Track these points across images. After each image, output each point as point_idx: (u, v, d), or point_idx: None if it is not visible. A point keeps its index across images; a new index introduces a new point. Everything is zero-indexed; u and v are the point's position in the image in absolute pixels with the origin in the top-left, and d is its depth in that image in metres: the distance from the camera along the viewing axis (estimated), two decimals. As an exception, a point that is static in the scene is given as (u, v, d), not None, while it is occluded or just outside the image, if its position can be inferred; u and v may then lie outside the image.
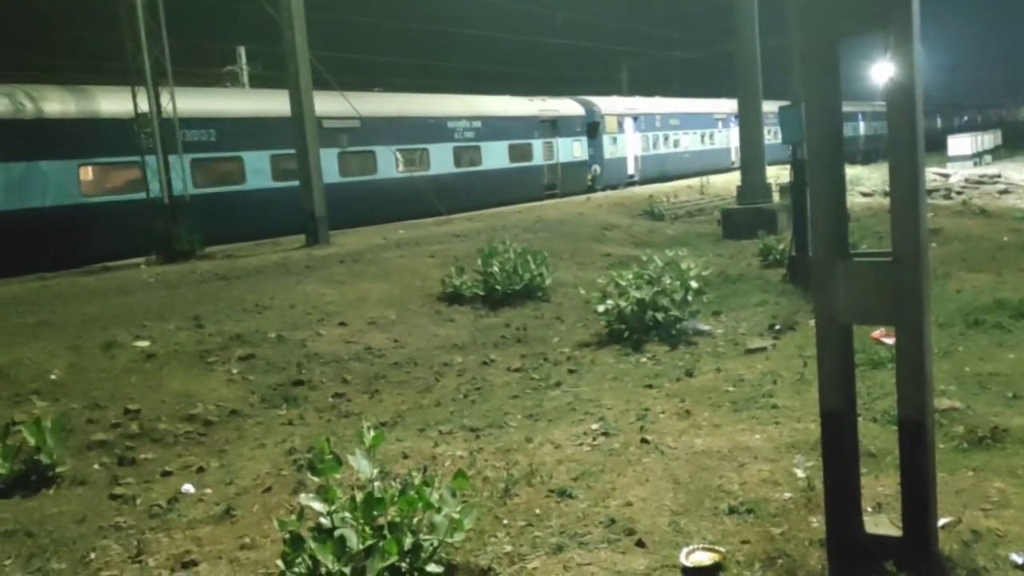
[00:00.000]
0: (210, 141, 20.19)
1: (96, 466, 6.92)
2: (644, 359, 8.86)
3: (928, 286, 3.52)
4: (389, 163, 24.54)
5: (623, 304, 9.66)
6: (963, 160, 39.87)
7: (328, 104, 21.39)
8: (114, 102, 18.24)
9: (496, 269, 12.69)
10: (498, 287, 12.48)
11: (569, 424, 6.51)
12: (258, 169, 21.06)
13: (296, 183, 19.69)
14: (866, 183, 28.77)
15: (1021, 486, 4.51)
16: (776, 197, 21.25)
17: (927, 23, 3.75)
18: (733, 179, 24.46)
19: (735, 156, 33.89)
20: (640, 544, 4.30)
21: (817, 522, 4.21)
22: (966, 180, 30.12)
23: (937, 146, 43.59)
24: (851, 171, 32.43)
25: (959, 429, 5.43)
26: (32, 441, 6.49)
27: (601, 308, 9.88)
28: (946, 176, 32.19)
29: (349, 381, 9.17)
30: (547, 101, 32.18)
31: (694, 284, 9.84)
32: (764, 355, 8.28)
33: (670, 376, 7.85)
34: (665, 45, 53.39)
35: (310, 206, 18.86)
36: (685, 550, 4.14)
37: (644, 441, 5.80)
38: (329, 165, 21.42)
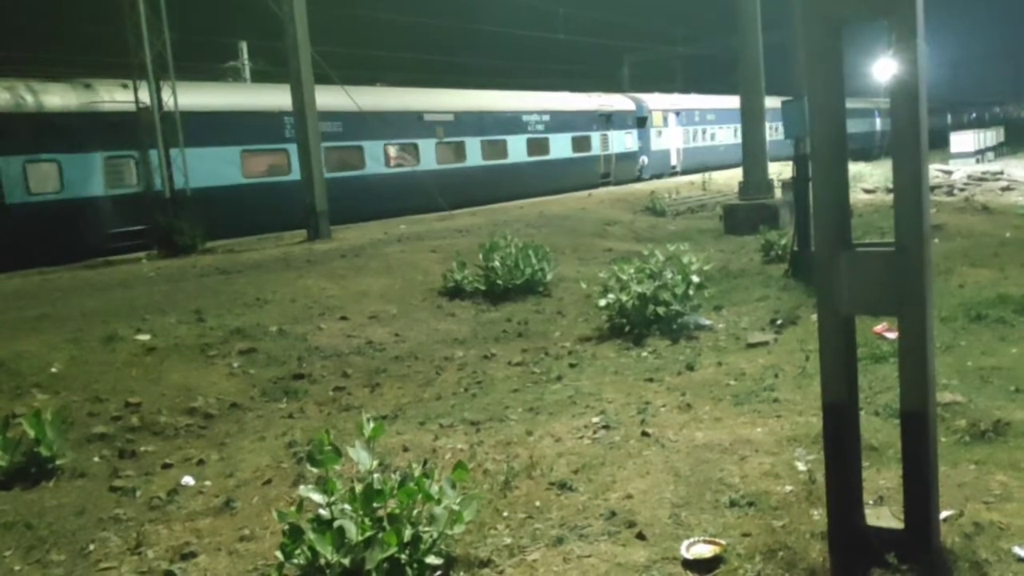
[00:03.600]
0: (338, 132, 22.85)
1: (96, 459, 6.90)
2: (645, 353, 8.84)
3: (930, 278, 3.50)
4: (476, 153, 27.42)
5: (624, 298, 9.63)
6: (966, 157, 39.79)
7: (426, 99, 25.97)
8: (262, 97, 20.52)
9: (497, 264, 12.68)
10: (499, 282, 12.47)
11: (570, 417, 6.49)
12: (375, 156, 24.01)
13: (404, 168, 24.36)
14: (869, 180, 28.72)
15: (1023, 479, 4.49)
16: (778, 193, 21.19)
17: (930, 20, 3.72)
18: (735, 175, 24.40)
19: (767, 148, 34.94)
20: (640, 536, 4.29)
21: (818, 515, 4.19)
22: (969, 177, 30.06)
23: (941, 143, 43.52)
24: (854, 168, 32.31)
25: (961, 423, 5.41)
26: (32, 433, 6.48)
27: (602, 302, 9.85)
28: (949, 173, 32.13)
29: (350, 375, 9.15)
30: (603, 97, 35.02)
31: (695, 279, 9.81)
32: (766, 349, 8.26)
33: (671, 370, 7.83)
34: (667, 40, 53.33)
35: (311, 200, 18.85)
36: (686, 542, 4.12)
37: (645, 434, 5.78)
38: (428, 154, 25.27)
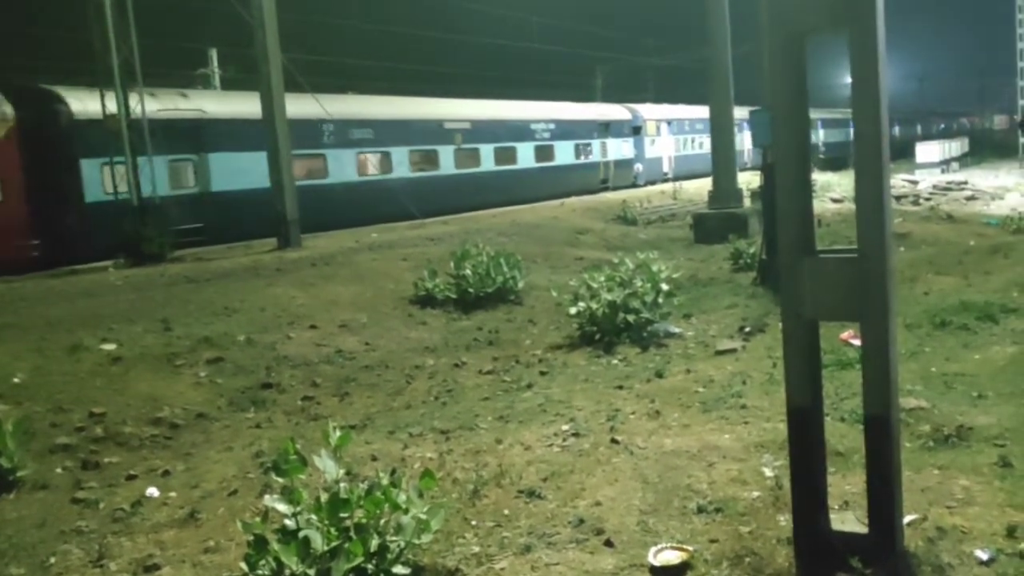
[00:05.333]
0: (369, 139, 24.50)
1: (59, 470, 6.78)
2: (615, 361, 8.86)
3: (894, 283, 3.54)
4: (489, 159, 28.91)
5: (595, 306, 9.67)
6: (931, 167, 40.45)
7: (446, 108, 27.81)
8: (300, 106, 20.79)
9: (469, 272, 12.66)
10: (471, 290, 12.45)
11: (540, 425, 6.48)
12: (401, 161, 25.40)
13: (428, 173, 26.03)
14: (836, 189, 29.07)
15: (986, 484, 4.55)
16: (748, 202, 21.41)
17: (896, 32, 3.78)
18: (705, 184, 24.61)
19: (747, 157, 36.79)
20: (608, 544, 4.28)
21: (785, 520, 4.21)
22: (934, 187, 30.58)
23: (906, 153, 44.19)
24: (822, 177, 32.77)
25: (925, 428, 5.47)
26: (-9, 445, 6.36)
27: (573, 310, 9.89)
28: (915, 183, 32.64)
29: (319, 384, 9.09)
30: (601, 107, 37.35)
31: (665, 286, 9.87)
32: (734, 356, 8.32)
33: (640, 377, 7.86)
34: (639, 51, 53.71)
35: (282, 208, 18.70)
36: (653, 549, 4.12)
37: (614, 441, 5.79)
38: (447, 160, 26.94)
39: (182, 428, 7.84)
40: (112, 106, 17.82)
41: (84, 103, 18.23)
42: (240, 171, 19.94)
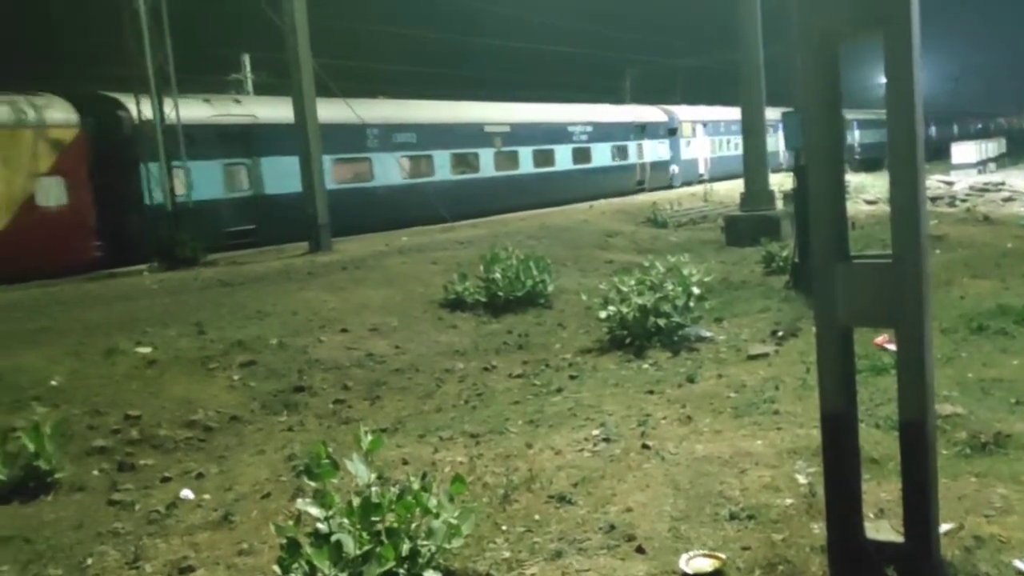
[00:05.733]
0: (412, 142, 25.41)
1: (95, 472, 6.89)
2: (646, 365, 8.82)
3: (928, 288, 3.49)
4: (528, 161, 29.73)
5: (625, 310, 9.62)
6: (967, 168, 39.83)
7: (486, 112, 28.72)
8: (347, 110, 22.05)
9: (498, 275, 12.67)
10: (500, 293, 12.46)
11: (570, 430, 6.47)
12: (442, 164, 26.28)
13: (469, 175, 26.97)
14: (871, 190, 28.72)
15: (1024, 492, 4.47)
16: (780, 204, 21.21)
17: (931, 32, 3.74)
18: (737, 186, 24.43)
19: (783, 158, 36.50)
20: (640, 550, 4.26)
21: (818, 528, 4.17)
22: (970, 188, 30.10)
23: (942, 154, 43.58)
24: (856, 179, 32.45)
25: (962, 435, 5.39)
26: (31, 447, 6.47)
27: (603, 314, 9.84)
28: (950, 184, 32.15)
29: (350, 387, 9.14)
30: (638, 109, 37.85)
31: (696, 290, 9.80)
32: (766, 361, 8.24)
33: (672, 382, 7.81)
34: (669, 53, 53.43)
35: (313, 212, 18.88)
36: (685, 556, 4.10)
37: (645, 447, 5.76)
38: (487, 162, 27.89)
39: (216, 431, 7.92)
40: (185, 112, 18.58)
41: (144, 109, 18.91)
42: (290, 174, 20.43)
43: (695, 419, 6.40)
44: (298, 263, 16.78)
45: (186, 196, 18.88)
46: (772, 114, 23.63)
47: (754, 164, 20.98)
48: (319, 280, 14.14)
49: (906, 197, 3.42)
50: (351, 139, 23.22)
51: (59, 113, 17.85)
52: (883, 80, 3.53)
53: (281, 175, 20.63)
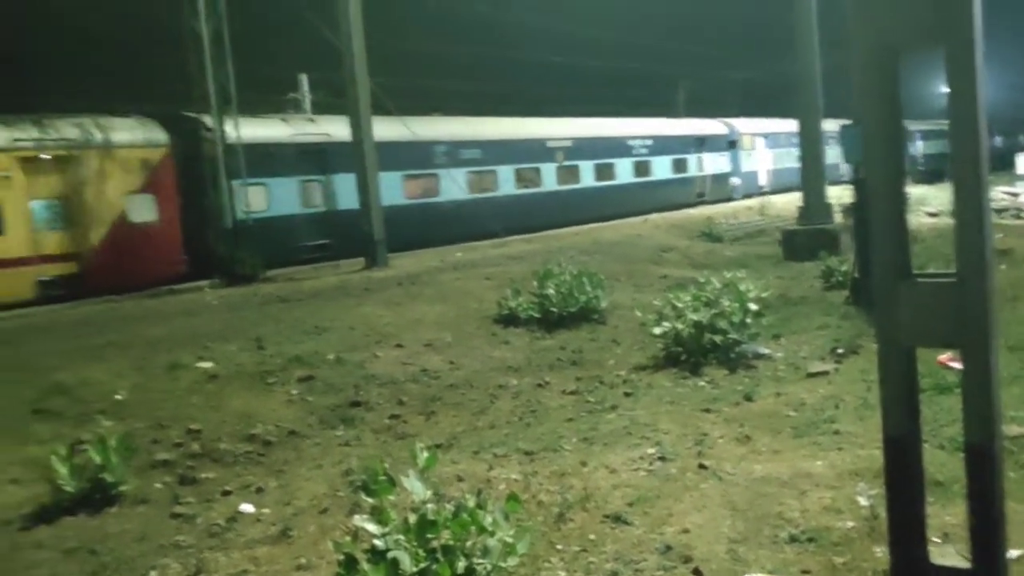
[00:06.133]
0: (477, 158, 26.16)
1: (158, 485, 7.05)
2: (702, 383, 8.72)
3: (994, 307, 3.40)
4: (589, 175, 30.32)
5: (680, 326, 9.53)
6: (1034, 179, 38.64)
7: (548, 127, 29.27)
8: (416, 128, 23.39)
9: (552, 291, 12.66)
10: (554, 309, 12.44)
11: (625, 448, 6.43)
12: (506, 179, 27.07)
13: (532, 190, 27.69)
14: (932, 203, 28.04)
15: (1099, 518, 4.31)
16: (838, 217, 20.83)
17: (996, 38, 3.66)
18: (794, 199, 24.08)
19: (843, 170, 36.17)
20: (697, 572, 4.22)
21: (881, 552, 4.08)
22: (1037, 199, 29.15)
23: (1007, 164, 42.43)
24: (917, 191, 31.67)
25: (1031, 457, 5.22)
26: (97, 460, 6.66)
27: (658, 330, 9.76)
28: (1015, 195, 31.21)
29: (405, 403, 9.21)
30: (697, 122, 38.17)
31: (753, 306, 9.66)
32: (826, 379, 8.08)
33: (729, 400, 7.71)
34: (724, 66, 52.96)
35: (369, 229, 19.13)
36: (743, 579, 4.04)
37: (702, 467, 5.70)
38: (549, 177, 28.53)
39: (274, 445, 8.05)
40: (266, 131, 19.60)
41: (228, 129, 19.77)
42: (354, 191, 21.01)
43: (753, 438, 6.30)
44: (355, 279, 16.99)
45: (265, 211, 19.77)
46: (831, 125, 23.24)
47: (812, 177, 20.67)
48: (375, 296, 14.30)
49: (970, 215, 3.33)
50: (420, 156, 24.13)
51: (149, 133, 18.81)
52: (947, 90, 3.46)
53: (352, 191, 21.23)
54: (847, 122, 12.82)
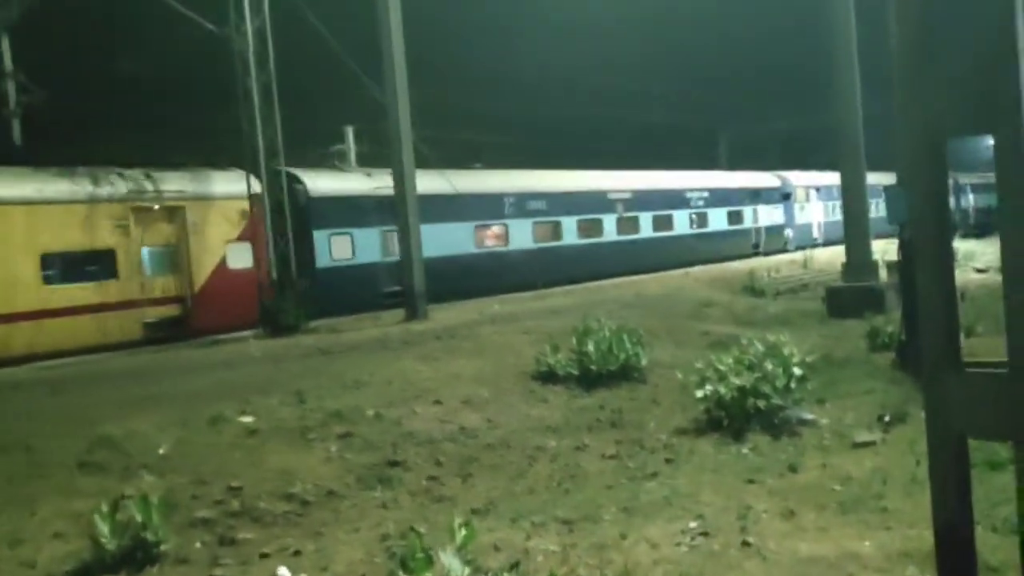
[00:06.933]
0: (543, 209, 27.65)
1: (198, 544, 7.07)
2: (745, 450, 8.58)
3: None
4: (648, 226, 31.83)
5: (723, 390, 9.41)
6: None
7: (609, 180, 30.99)
8: (486, 181, 25.85)
9: (591, 348, 12.57)
10: (593, 367, 12.33)
11: (666, 521, 6.33)
12: (570, 229, 28.57)
13: (593, 240, 29.24)
14: (980, 258, 27.56)
15: None
16: (884, 273, 20.53)
17: None
18: (838, 254, 23.82)
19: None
20: (740, 661, 4.10)
21: (933, 647, 3.92)
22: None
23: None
24: (965, 245, 31.19)
25: (1091, 544, 5.02)
26: (139, 518, 6.71)
27: (700, 393, 9.65)
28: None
29: (442, 463, 9.17)
30: (752, 174, 39.63)
31: (797, 371, 9.52)
32: (873, 450, 7.91)
33: (772, 471, 7.57)
34: (762, 116, 52.99)
35: (410, 281, 19.29)
36: (788, 671, 3.92)
37: (745, 543, 5.59)
38: (610, 227, 30.11)
39: (312, 505, 8.04)
40: (352, 184, 21.27)
41: (316, 182, 21.71)
42: (437, 239, 22.71)
43: (798, 514, 6.17)
44: (394, 331, 17.09)
45: (350, 259, 21.28)
46: (876, 178, 23.28)
47: (856, 234, 20.44)
48: (414, 349, 14.34)
49: (1022, 303, 3.27)
50: (489, 207, 25.80)
51: (246, 186, 20.01)
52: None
53: (431, 240, 22.41)
54: (891, 184, 12.71)
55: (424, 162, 21.58)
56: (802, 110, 47.12)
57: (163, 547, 6.73)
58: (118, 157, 19.69)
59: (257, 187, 19.59)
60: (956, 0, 3.13)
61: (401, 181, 19.47)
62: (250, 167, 19.33)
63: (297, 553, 6.74)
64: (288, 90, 20.01)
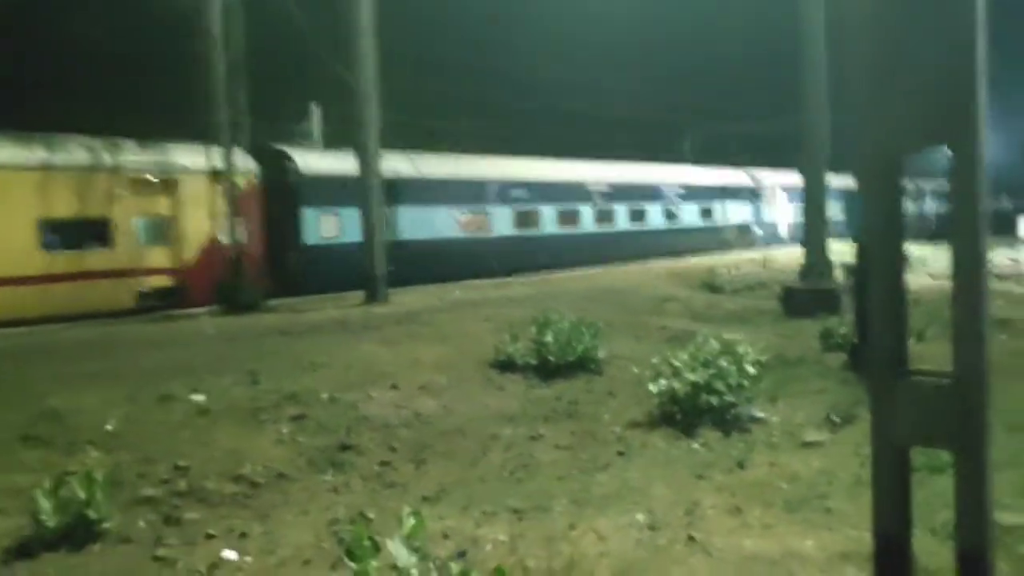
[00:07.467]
0: (525, 198, 28.48)
1: (141, 524, 6.96)
2: (696, 445, 8.67)
3: (989, 411, 3.38)
4: (623, 218, 32.84)
5: (677, 385, 9.50)
6: (1036, 245, 38.72)
7: (587, 171, 31.76)
8: (470, 168, 26.52)
9: (550, 339, 12.62)
10: (551, 357, 12.38)
11: (615, 513, 6.38)
12: (549, 218, 29.45)
13: (571, 230, 30.11)
14: (933, 264, 28.07)
15: (1091, 621, 4.25)
16: (839, 275, 20.84)
17: (1009, 99, 3.68)
18: (795, 253, 24.16)
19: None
20: (680, 656, 4.16)
21: (868, 647, 4.01)
22: (1040, 266, 29.16)
23: (1015, 228, 42.68)
24: (919, 251, 31.75)
25: (1022, 550, 5.16)
26: (82, 495, 6.60)
27: (654, 388, 9.73)
28: (1018, 261, 31.25)
29: (396, 449, 9.14)
30: (724, 172, 40.40)
31: (751, 369, 9.64)
32: (821, 450, 8.04)
33: (722, 467, 7.66)
34: (729, 115, 53.39)
35: (370, 264, 19.17)
36: (727, 667, 3.98)
37: (691, 539, 5.65)
38: (587, 218, 30.99)
39: (262, 487, 7.97)
40: (341, 164, 20.74)
41: (307, 161, 22.22)
42: (422, 223, 24.16)
43: (744, 511, 6.25)
44: (354, 314, 16.99)
45: (337, 238, 21.54)
46: (837, 181, 23.91)
47: (814, 236, 20.74)
48: (374, 333, 14.28)
49: (970, 319, 3.32)
50: (471, 194, 26.46)
51: (242, 162, 20.58)
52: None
53: (413, 224, 23.94)
54: (854, 191, 12.89)
55: (388, 144, 21.46)
56: (773, 111, 47.57)
57: (106, 525, 6.61)
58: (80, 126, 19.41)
59: (254, 165, 20.23)
60: (917, 15, 3.17)
61: (366, 163, 19.32)
62: (226, 143, 19.10)
63: (244, 535, 6.68)
64: (253, 66, 19.78)
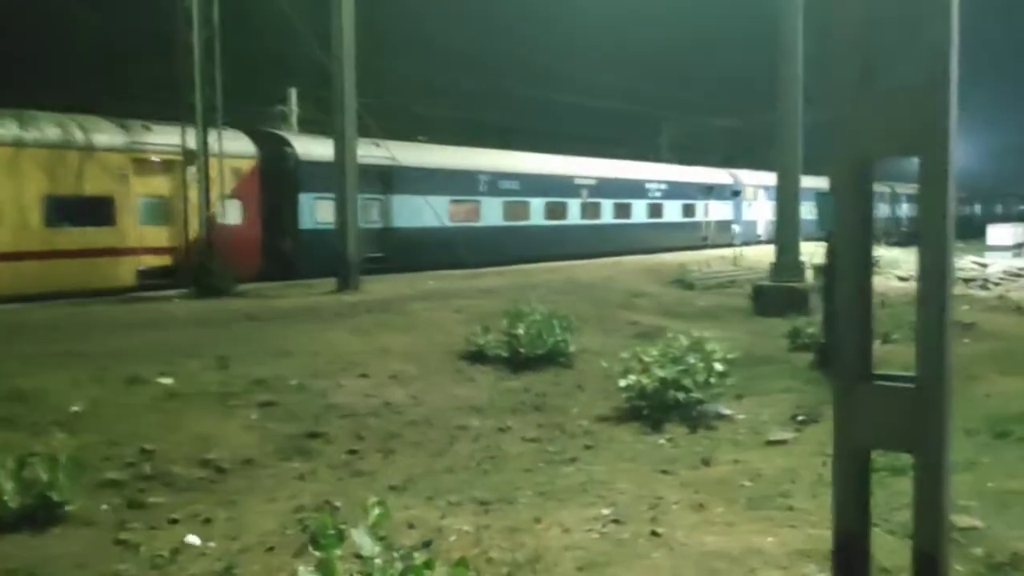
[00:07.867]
0: (515, 189, 28.71)
1: (105, 507, 6.91)
2: (662, 440, 8.75)
3: (949, 416, 3.45)
4: (609, 213, 33.28)
5: (645, 381, 9.57)
6: (1002, 251, 39.37)
7: (576, 166, 32.29)
8: (462, 158, 26.92)
9: (521, 331, 12.66)
10: (522, 350, 12.43)
11: (580, 506, 6.43)
12: (537, 210, 29.67)
13: (558, 222, 30.51)
14: (903, 266, 28.46)
15: (1039, 622, 4.36)
16: (810, 275, 21.05)
17: (978, 107, 3.74)
18: (766, 252, 24.36)
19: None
20: (640, 649, 4.21)
21: (824, 644, 4.09)
22: (1004, 272, 29.65)
23: (983, 233, 43.31)
24: (889, 253, 32.18)
25: (978, 551, 5.27)
26: (45, 477, 6.53)
27: (623, 383, 9.80)
28: (984, 266, 31.75)
29: (364, 437, 9.14)
30: (707, 171, 41.19)
31: (719, 367, 9.73)
32: (785, 448, 8.14)
33: (687, 462, 7.74)
34: (706, 111, 53.72)
35: (344, 251, 19.08)
36: (685, 661, 4.04)
37: (654, 533, 5.70)
38: (574, 211, 31.39)
39: (228, 473, 7.93)
40: (326, 151, 20.41)
41: (305, 146, 22.31)
42: (415, 211, 24.48)
43: (707, 507, 6.32)
44: (325, 301, 16.91)
45: (333, 224, 20.78)
46: (810, 181, 24.08)
47: (786, 236, 20.93)
48: (345, 321, 14.23)
49: (933, 326, 3.38)
50: (463, 184, 26.70)
51: (241, 145, 21.10)
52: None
53: (409, 211, 24.25)
54: (823, 191, 13.04)
55: (366, 132, 21.35)
56: (747, 110, 47.93)
57: (68, 508, 6.56)
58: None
59: (254, 148, 20.47)
60: (892, 26, 3.22)
61: (342, 149, 19.20)
62: (202, 124, 18.90)
63: (208, 521, 6.64)
64: (229, 49, 19.56)
